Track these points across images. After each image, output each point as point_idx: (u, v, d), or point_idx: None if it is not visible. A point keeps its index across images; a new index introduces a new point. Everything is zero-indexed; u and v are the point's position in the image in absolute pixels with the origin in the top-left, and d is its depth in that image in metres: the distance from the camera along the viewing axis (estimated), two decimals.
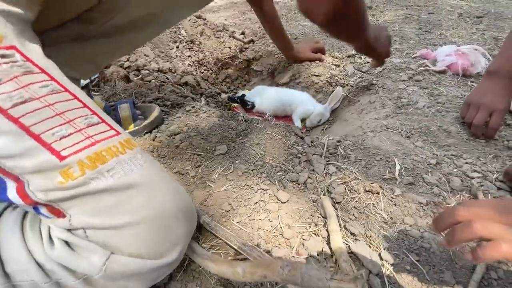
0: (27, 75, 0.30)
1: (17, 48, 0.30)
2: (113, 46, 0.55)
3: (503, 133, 0.69)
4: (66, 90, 0.32)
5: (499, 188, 0.54)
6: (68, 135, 0.30)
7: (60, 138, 0.30)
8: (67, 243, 0.32)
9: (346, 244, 0.44)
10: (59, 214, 0.31)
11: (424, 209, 0.50)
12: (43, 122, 0.29)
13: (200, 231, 0.46)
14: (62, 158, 0.29)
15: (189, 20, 1.39)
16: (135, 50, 1.10)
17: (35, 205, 0.31)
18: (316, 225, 0.48)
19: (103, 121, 0.34)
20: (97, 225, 0.31)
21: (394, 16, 1.68)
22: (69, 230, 0.32)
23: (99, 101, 0.68)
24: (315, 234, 0.46)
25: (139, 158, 0.34)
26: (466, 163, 0.60)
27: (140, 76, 0.98)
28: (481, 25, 1.52)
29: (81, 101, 0.33)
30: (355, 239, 0.45)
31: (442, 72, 0.96)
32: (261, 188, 0.55)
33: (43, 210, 0.31)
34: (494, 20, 1.57)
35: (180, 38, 1.36)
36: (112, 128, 0.34)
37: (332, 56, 1.20)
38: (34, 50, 0.32)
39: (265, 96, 1.06)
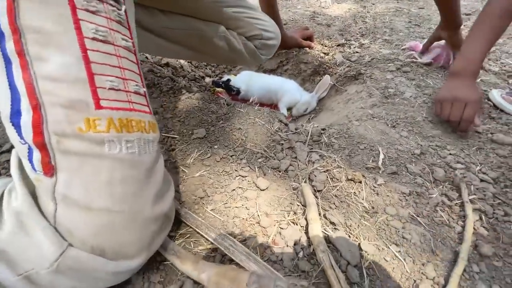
0: (118, 24, 0.32)
1: (124, 1, 0.32)
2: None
3: (487, 126, 0.69)
4: (135, 54, 0.34)
5: (481, 180, 0.54)
6: (117, 90, 0.31)
7: (109, 88, 0.30)
8: (21, 223, 0.28)
9: (325, 233, 0.42)
10: (48, 171, 0.28)
11: (406, 199, 0.48)
12: (105, 65, 0.30)
13: None
14: (98, 107, 0.29)
15: None
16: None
17: (37, 147, 0.28)
18: (295, 213, 0.45)
19: (145, 96, 0.35)
20: (79, 200, 0.28)
21: (385, 8, 1.66)
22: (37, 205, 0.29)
23: None
24: (293, 223, 0.44)
25: (153, 146, 0.34)
26: (450, 154, 0.59)
27: None
28: (469, 22, 1.52)
29: (139, 69, 0.35)
30: (335, 228, 0.43)
31: (428, 64, 0.96)
32: (239, 175, 0.51)
33: (36, 158, 0.28)
34: None
35: None
36: (148, 105, 0.35)
37: (321, 44, 1.17)
38: (131, 10, 0.35)
39: (251, 83, 1.02)
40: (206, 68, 1.19)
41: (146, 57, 0.95)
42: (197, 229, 0.40)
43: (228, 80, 1.01)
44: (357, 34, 1.26)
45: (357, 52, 1.10)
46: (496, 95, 0.78)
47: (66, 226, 0.28)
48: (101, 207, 0.29)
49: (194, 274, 0.34)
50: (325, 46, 1.15)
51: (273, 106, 1.02)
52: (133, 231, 0.31)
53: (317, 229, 0.40)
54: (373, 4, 1.75)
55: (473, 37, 0.67)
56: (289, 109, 1.01)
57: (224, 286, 0.32)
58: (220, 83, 1.01)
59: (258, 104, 0.99)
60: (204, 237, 0.39)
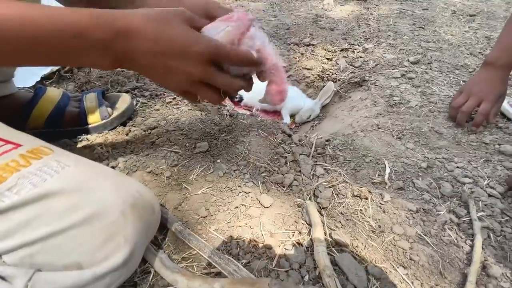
0: None
1: None
2: None
3: (494, 137, 0.68)
4: None
5: (489, 195, 0.52)
6: None
7: None
8: None
9: (331, 255, 0.41)
10: None
11: (413, 217, 0.47)
12: None
13: (172, 240, 0.42)
14: None
15: None
16: None
17: None
18: (300, 233, 0.44)
19: None
20: (12, 246, 0.27)
21: (388, 10, 1.64)
22: None
23: (55, 91, 0.60)
24: (298, 243, 0.43)
25: (54, 165, 0.31)
26: (457, 167, 0.58)
27: None
28: (473, 23, 1.50)
29: None
30: (341, 249, 0.42)
31: None
32: (243, 191, 0.51)
33: None
34: (487, 19, 1.56)
35: None
36: (7, 142, 0.31)
37: (324, 49, 1.15)
38: None
39: (254, 90, 1.00)
40: None
41: None
42: (200, 252, 0.39)
43: None
44: (361, 38, 1.25)
45: (361, 57, 1.09)
46: (504, 103, 0.76)
47: (26, 265, 0.28)
48: (41, 236, 0.27)
49: (204, 287, 0.33)
50: (328, 51, 1.14)
51: (277, 114, 1.01)
52: (98, 234, 0.29)
53: (322, 252, 0.39)
54: (376, 5, 1.73)
55: (509, 28, 0.67)
56: (292, 116, 1.00)
57: None
58: None
59: (261, 114, 0.98)
60: (207, 260, 0.38)
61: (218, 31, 0.37)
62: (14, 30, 0.28)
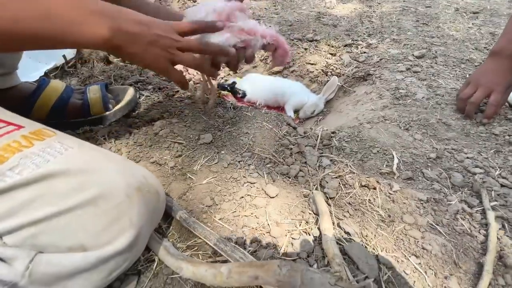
0: None
1: None
2: None
3: (504, 128, 0.66)
4: None
5: (502, 185, 0.51)
6: None
7: None
8: None
9: (340, 244, 0.40)
10: None
11: (424, 207, 0.46)
12: None
13: (176, 229, 0.41)
14: None
15: (178, 1, 1.30)
16: None
17: None
18: (307, 222, 0.43)
19: None
20: (15, 226, 0.26)
21: (391, 8, 1.63)
22: None
23: (58, 83, 0.60)
24: (305, 233, 0.42)
25: (57, 147, 0.30)
26: (467, 157, 0.56)
27: (120, 57, 0.90)
28: (477, 20, 1.49)
29: None
30: (350, 238, 0.41)
31: None
32: (248, 182, 0.49)
33: None
34: (490, 16, 1.55)
35: None
36: (9, 123, 0.31)
37: (328, 45, 1.15)
38: None
39: (257, 85, 1.00)
40: None
41: None
42: (206, 240, 0.38)
43: (234, 83, 1.00)
44: (364, 34, 1.24)
45: (364, 52, 1.08)
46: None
47: (27, 245, 0.27)
48: (46, 215, 0.27)
49: (209, 273, 0.31)
50: (332, 46, 1.13)
51: (281, 109, 1.01)
52: (103, 215, 0.28)
53: (331, 240, 0.38)
54: (379, 3, 1.72)
55: None
56: (296, 111, 0.99)
57: (250, 273, 0.29)
58: (226, 86, 1.00)
59: (265, 107, 0.97)
60: (213, 248, 0.37)
61: (201, 13, 0.48)
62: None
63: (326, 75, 1.03)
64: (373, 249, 0.39)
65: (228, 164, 0.53)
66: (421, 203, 0.46)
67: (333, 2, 1.67)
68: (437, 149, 0.58)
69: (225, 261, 0.36)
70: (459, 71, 0.91)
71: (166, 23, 0.43)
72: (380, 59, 0.99)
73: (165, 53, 0.42)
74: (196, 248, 0.38)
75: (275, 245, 0.39)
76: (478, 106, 0.67)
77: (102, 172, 0.30)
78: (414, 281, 0.36)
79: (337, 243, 0.39)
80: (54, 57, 0.80)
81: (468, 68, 0.94)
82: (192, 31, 0.45)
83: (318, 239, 0.41)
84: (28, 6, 0.31)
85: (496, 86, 0.66)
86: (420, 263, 0.38)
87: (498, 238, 0.42)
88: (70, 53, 0.84)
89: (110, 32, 0.36)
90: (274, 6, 1.64)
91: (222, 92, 0.99)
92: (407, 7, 1.63)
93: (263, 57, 1.18)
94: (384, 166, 0.54)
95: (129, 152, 0.53)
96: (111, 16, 0.37)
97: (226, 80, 1.12)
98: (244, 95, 0.99)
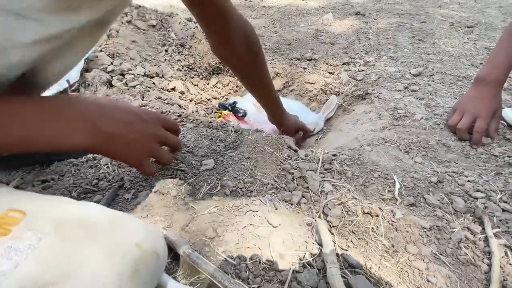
0: None
1: None
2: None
3: (503, 148, 0.67)
4: None
5: (503, 210, 0.51)
6: None
7: None
8: None
9: (344, 277, 0.39)
10: None
11: (427, 235, 0.46)
12: None
13: (179, 264, 0.41)
14: None
15: (180, 23, 1.33)
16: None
17: None
18: (311, 254, 0.43)
19: None
20: None
21: (387, 24, 1.67)
22: None
23: None
24: (310, 265, 0.42)
25: (27, 238, 0.25)
26: (468, 181, 0.57)
27: (124, 81, 0.92)
28: (472, 34, 1.52)
29: None
30: (354, 271, 0.41)
31: None
32: (250, 210, 0.50)
33: None
34: (485, 30, 1.58)
35: (169, 41, 1.30)
36: None
37: (326, 63, 1.17)
38: None
39: (257, 105, 1.01)
40: (212, 91, 1.19)
41: (154, 83, 0.96)
42: (210, 277, 0.38)
43: (235, 102, 1.01)
44: (361, 51, 1.27)
45: (362, 70, 1.10)
46: (510, 113, 0.76)
47: None
48: None
49: None
50: (330, 65, 1.16)
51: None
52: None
53: (336, 274, 0.38)
54: (375, 19, 1.76)
55: (500, 46, 0.68)
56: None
57: None
58: (227, 105, 1.01)
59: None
60: (218, 286, 0.37)
61: None
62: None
63: (325, 94, 1.05)
64: (378, 282, 0.39)
65: (230, 191, 0.53)
66: (424, 231, 0.46)
67: (330, 19, 1.72)
68: (438, 172, 0.59)
69: None
70: (456, 89, 0.93)
71: (154, 116, 0.46)
72: (378, 78, 1.01)
73: (144, 151, 0.45)
74: (199, 285, 0.38)
75: (279, 280, 0.39)
76: (466, 131, 0.68)
77: (83, 269, 0.25)
78: None
79: (342, 276, 0.39)
80: (58, 83, 0.82)
81: (465, 85, 0.96)
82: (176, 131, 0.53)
83: (323, 272, 0.40)
84: (4, 133, 0.31)
85: (481, 112, 0.67)
86: None
87: (501, 267, 0.42)
88: (74, 77, 0.86)
89: (91, 140, 0.37)
90: (273, 24, 1.68)
91: (223, 112, 1.00)
92: (402, 22, 1.67)
93: None
94: (386, 191, 0.54)
95: (132, 181, 0.53)
96: (91, 120, 0.37)
97: (227, 99, 1.14)
98: (244, 114, 1.01)
